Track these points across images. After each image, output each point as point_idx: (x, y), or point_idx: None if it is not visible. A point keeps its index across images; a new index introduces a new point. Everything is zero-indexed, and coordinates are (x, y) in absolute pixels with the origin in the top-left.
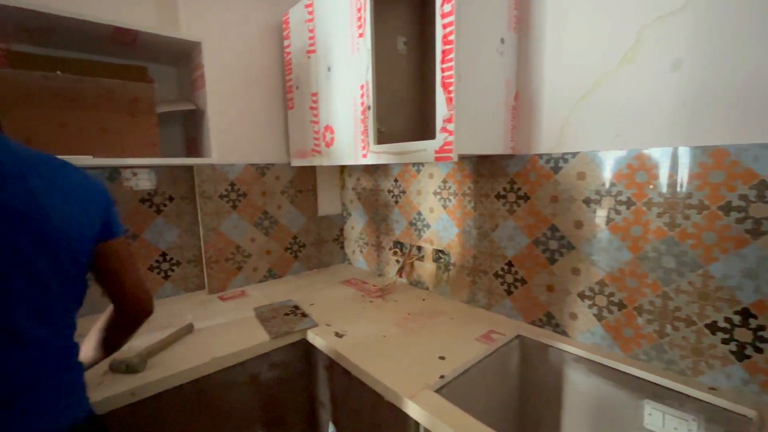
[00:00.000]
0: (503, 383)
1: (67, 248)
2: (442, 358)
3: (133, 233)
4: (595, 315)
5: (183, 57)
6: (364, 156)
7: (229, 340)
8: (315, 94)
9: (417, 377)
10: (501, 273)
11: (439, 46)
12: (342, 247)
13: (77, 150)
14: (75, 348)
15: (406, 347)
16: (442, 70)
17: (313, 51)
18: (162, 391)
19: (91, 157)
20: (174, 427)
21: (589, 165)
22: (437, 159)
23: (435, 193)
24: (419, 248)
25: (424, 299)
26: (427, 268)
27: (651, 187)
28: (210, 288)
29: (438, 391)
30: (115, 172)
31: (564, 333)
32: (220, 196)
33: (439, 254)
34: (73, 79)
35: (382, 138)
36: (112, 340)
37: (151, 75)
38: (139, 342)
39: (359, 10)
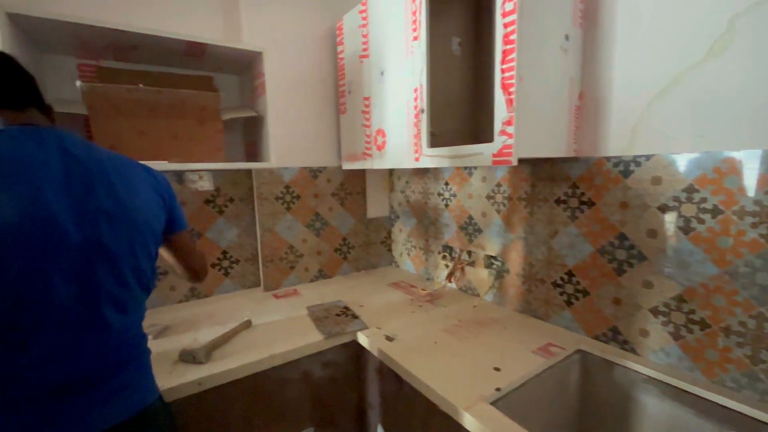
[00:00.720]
0: (562, 400)
1: (143, 242)
2: (497, 369)
3: (198, 232)
4: (670, 333)
5: (245, 66)
6: (417, 159)
7: (284, 338)
8: (367, 98)
9: (471, 388)
10: (560, 282)
11: (499, 46)
12: (389, 250)
13: (153, 156)
14: (145, 336)
15: (458, 355)
16: (502, 71)
17: (366, 56)
18: (225, 383)
19: (165, 162)
20: (235, 419)
21: (666, 169)
22: (495, 163)
23: (488, 197)
24: (470, 253)
25: (475, 306)
26: (478, 274)
27: (743, 193)
28: (265, 285)
29: (494, 403)
30: (182, 175)
31: (633, 351)
32: (276, 198)
33: (491, 260)
34: (152, 90)
35: (434, 141)
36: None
37: (216, 84)
38: (204, 335)
39: (414, 13)
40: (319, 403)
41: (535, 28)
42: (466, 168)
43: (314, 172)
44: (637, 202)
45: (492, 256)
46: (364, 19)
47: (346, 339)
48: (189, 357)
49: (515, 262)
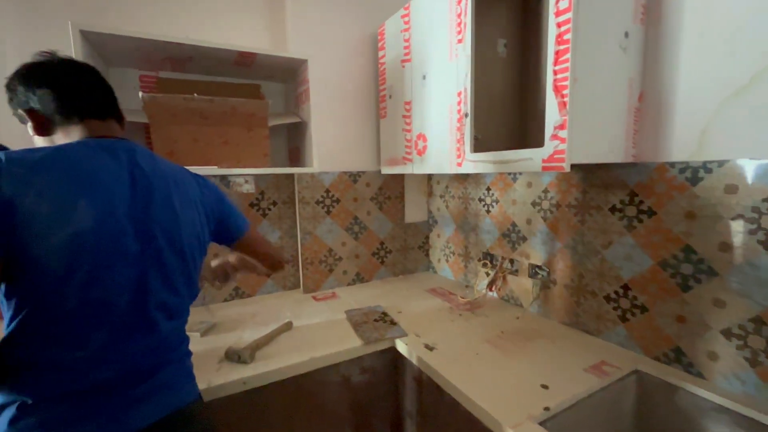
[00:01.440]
0: (616, 424)
1: (192, 252)
2: (544, 386)
3: None
4: (746, 359)
5: (290, 74)
6: (459, 165)
7: (324, 341)
8: (408, 103)
9: (517, 405)
10: (614, 296)
11: (551, 47)
12: (427, 255)
13: (205, 161)
14: (187, 339)
15: (502, 369)
16: (555, 73)
17: (408, 60)
18: (268, 384)
19: (215, 167)
20: (277, 418)
21: (742, 176)
22: (545, 169)
23: (534, 204)
24: (512, 261)
25: (518, 317)
26: (521, 284)
27: None
28: (305, 288)
29: (542, 424)
30: (227, 178)
31: (699, 375)
32: (317, 201)
33: (536, 270)
34: (206, 99)
35: (478, 146)
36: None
37: (263, 92)
38: (248, 335)
39: (459, 15)
40: (358, 407)
41: (592, 26)
42: (509, 173)
43: (353, 177)
44: (708, 213)
45: (537, 266)
46: (406, 23)
47: (384, 345)
48: (234, 356)
49: (563, 272)
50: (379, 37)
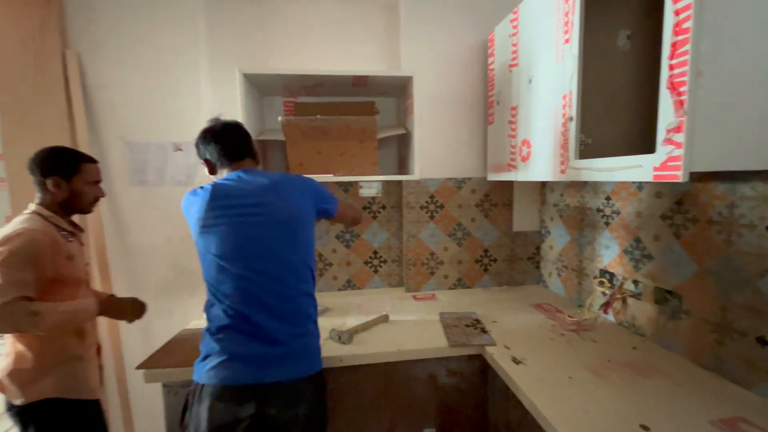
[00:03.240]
0: None
1: (305, 238)
2: (645, 428)
3: (357, 233)
4: None
5: (400, 89)
6: (563, 172)
7: (414, 337)
8: (514, 108)
9: None
10: None
11: (667, 38)
12: (537, 267)
13: (325, 170)
14: (312, 317)
15: (597, 400)
16: (671, 67)
17: (516, 64)
18: (360, 365)
19: (331, 175)
20: (367, 399)
21: None
22: (657, 178)
23: (663, 217)
24: (636, 283)
25: (635, 348)
26: (645, 310)
27: None
28: (407, 287)
29: None
30: (349, 185)
31: None
32: (421, 207)
33: (665, 295)
34: (327, 119)
35: (587, 152)
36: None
37: (377, 107)
38: (351, 321)
39: (567, 14)
40: (443, 406)
41: (726, 6)
42: (635, 181)
43: (458, 183)
44: None
45: (666, 291)
46: (514, 27)
47: (471, 351)
48: (336, 336)
49: (700, 302)
50: (489, 44)
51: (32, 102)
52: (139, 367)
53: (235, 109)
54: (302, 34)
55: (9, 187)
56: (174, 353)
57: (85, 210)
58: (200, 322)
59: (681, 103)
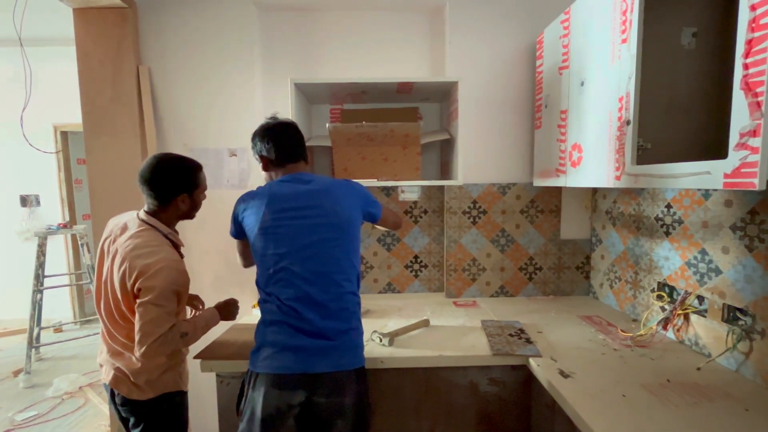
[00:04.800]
0: None
1: (349, 236)
2: None
3: (397, 237)
4: None
5: (444, 95)
6: (618, 178)
7: (455, 343)
8: (564, 111)
9: None
10: None
11: (742, 35)
12: (587, 277)
13: (370, 175)
14: (357, 314)
15: (653, 421)
16: (745, 66)
17: (566, 67)
18: (401, 368)
19: (375, 180)
20: (407, 403)
21: None
22: (728, 186)
23: (734, 228)
24: (700, 299)
25: (699, 369)
26: (711, 329)
27: None
28: (447, 292)
29: None
30: (391, 189)
31: None
32: (463, 212)
33: (735, 313)
34: (371, 125)
35: (645, 156)
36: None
37: (421, 112)
38: (392, 323)
39: (624, 12)
40: (484, 416)
41: None
42: (699, 188)
43: (503, 189)
44: None
45: (737, 308)
46: (566, 28)
47: (515, 361)
48: (377, 338)
49: None
50: (537, 46)
51: (109, 112)
52: (196, 357)
53: (286, 117)
54: (349, 42)
55: (89, 188)
56: (227, 346)
57: (193, 217)
58: (250, 317)
59: (758, 104)
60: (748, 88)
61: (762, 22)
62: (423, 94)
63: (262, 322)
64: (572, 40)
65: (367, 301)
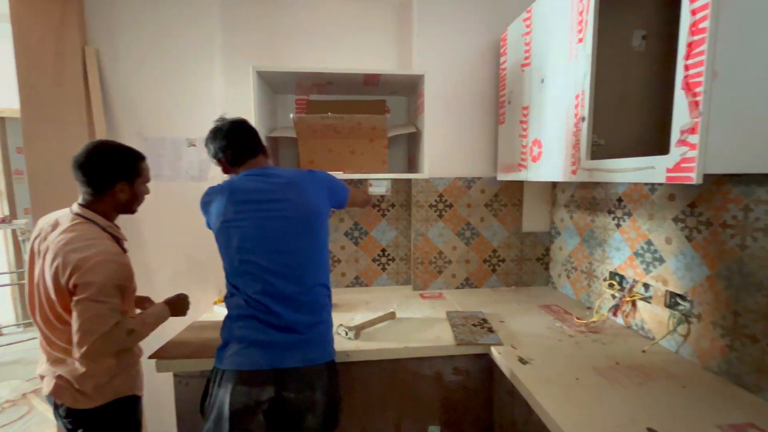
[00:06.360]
0: None
1: (314, 228)
2: (652, 431)
3: (365, 230)
4: None
5: (411, 88)
6: (574, 173)
7: (421, 334)
8: (526, 108)
9: None
10: None
11: (683, 38)
12: (547, 269)
13: (336, 167)
14: (326, 308)
15: (604, 402)
16: (686, 68)
17: (528, 64)
18: (367, 361)
19: (342, 172)
20: (374, 395)
21: None
22: (670, 180)
23: (676, 220)
24: (646, 286)
25: (644, 351)
26: (655, 314)
27: None
28: (414, 285)
29: None
30: (359, 183)
31: None
32: (430, 205)
33: (675, 299)
34: (337, 117)
35: (599, 152)
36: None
37: (388, 105)
38: (358, 317)
39: (581, 13)
40: (449, 405)
41: (743, 8)
42: (647, 183)
43: (468, 182)
44: None
45: (677, 294)
46: (527, 26)
47: (477, 350)
48: (343, 332)
49: (711, 306)
50: (501, 43)
51: (52, 96)
52: (151, 357)
53: (248, 106)
54: (315, 32)
55: (29, 180)
56: (185, 345)
57: (134, 211)
58: (211, 315)
59: (696, 104)
60: (688, 88)
61: (701, 26)
62: (390, 87)
63: (229, 317)
64: (534, 38)
65: (334, 295)
